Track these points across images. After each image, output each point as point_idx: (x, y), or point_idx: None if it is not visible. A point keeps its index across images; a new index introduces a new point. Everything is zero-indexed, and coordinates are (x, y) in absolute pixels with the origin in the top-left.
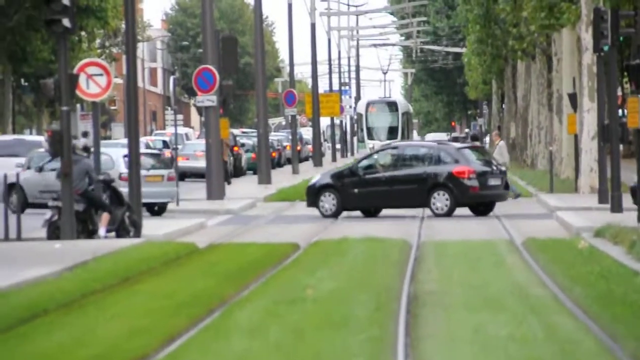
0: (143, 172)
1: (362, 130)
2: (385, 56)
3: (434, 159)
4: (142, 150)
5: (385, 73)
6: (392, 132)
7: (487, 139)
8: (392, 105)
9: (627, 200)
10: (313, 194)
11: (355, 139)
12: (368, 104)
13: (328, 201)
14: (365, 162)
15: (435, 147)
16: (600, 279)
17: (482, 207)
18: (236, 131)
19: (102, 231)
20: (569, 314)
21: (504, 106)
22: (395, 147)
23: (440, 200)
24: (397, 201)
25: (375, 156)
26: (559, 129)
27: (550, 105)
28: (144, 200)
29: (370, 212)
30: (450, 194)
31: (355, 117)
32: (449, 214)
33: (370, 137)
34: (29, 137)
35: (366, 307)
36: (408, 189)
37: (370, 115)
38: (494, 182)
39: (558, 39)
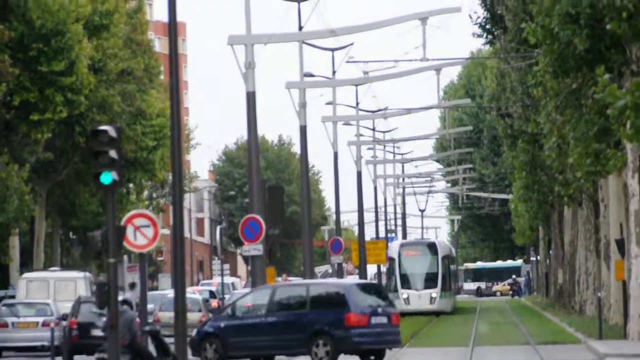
0: (14, 320)
1: (394, 277)
2: (431, 203)
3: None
4: (18, 300)
5: (422, 211)
6: (430, 280)
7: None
8: (431, 248)
9: None
10: None
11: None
12: (402, 247)
13: None
14: None
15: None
16: None
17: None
18: (282, 280)
19: None
20: None
21: (551, 252)
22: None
23: None
24: None
25: None
26: (607, 275)
27: (598, 251)
28: (17, 344)
29: None
30: None
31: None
32: None
33: (405, 285)
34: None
35: None
36: None
37: (405, 260)
38: (98, 333)
39: (604, 185)
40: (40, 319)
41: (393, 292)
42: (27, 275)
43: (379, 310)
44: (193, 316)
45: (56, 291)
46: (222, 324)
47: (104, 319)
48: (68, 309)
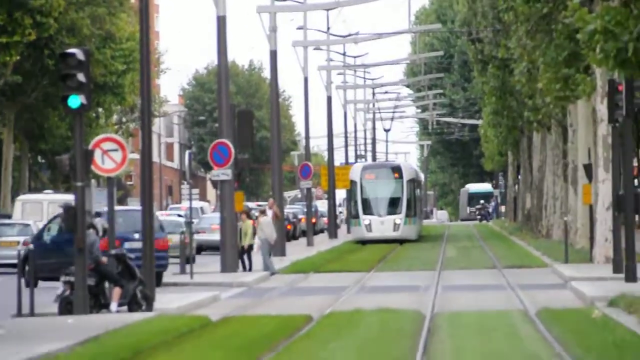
0: None
1: (355, 202)
2: (400, 128)
3: None
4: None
5: (387, 131)
6: (394, 205)
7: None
8: (395, 171)
9: None
10: None
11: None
12: (364, 170)
13: None
14: None
15: None
16: (614, 348)
17: None
18: (251, 204)
19: (113, 306)
20: None
21: (519, 177)
22: None
23: None
24: None
25: None
26: (574, 200)
27: (566, 176)
28: None
29: None
30: None
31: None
32: None
33: (367, 211)
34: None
35: None
36: None
37: (367, 184)
38: None
39: (573, 110)
40: (21, 239)
41: (354, 218)
42: (22, 197)
43: (137, 235)
44: (175, 238)
45: (49, 213)
46: (33, 246)
47: None
48: None
